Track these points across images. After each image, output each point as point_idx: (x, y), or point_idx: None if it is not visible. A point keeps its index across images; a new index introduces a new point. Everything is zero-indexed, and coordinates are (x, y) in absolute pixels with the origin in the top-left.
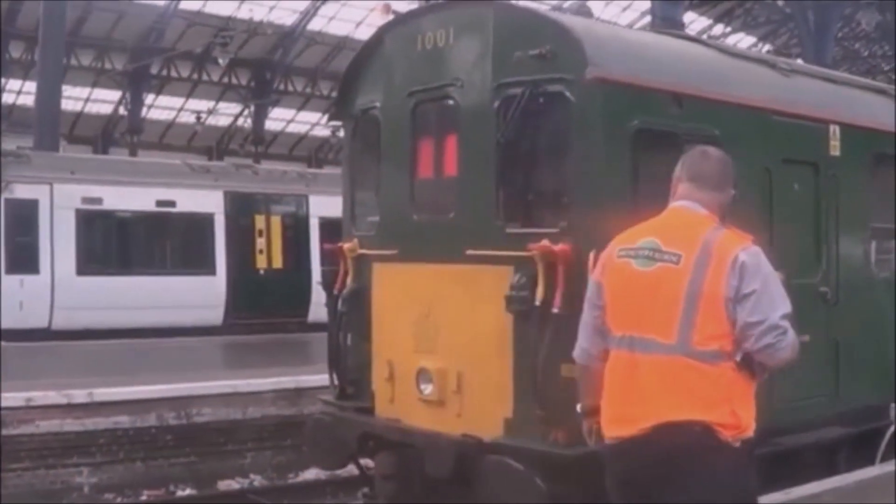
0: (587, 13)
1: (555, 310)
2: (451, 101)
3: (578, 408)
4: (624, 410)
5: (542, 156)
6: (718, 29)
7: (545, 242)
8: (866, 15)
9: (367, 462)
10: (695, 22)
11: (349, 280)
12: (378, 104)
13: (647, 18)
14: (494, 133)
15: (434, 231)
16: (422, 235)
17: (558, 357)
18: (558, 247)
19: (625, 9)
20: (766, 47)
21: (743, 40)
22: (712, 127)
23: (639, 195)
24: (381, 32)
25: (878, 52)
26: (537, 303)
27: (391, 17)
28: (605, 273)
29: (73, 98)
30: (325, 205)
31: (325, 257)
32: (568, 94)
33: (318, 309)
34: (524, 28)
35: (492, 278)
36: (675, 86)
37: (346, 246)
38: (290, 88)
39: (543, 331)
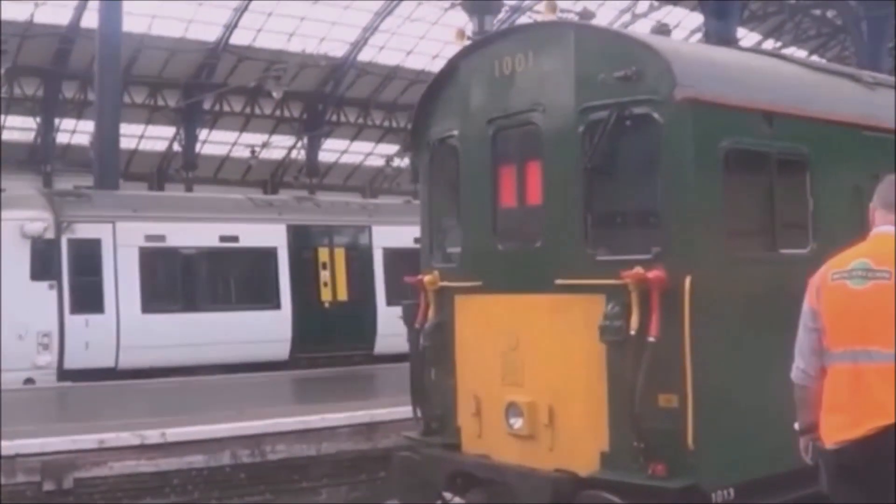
0: (667, 32)
1: (651, 338)
2: (533, 127)
3: (796, 426)
4: (850, 416)
5: (631, 180)
6: (769, 44)
7: (638, 269)
8: None
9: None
10: (745, 38)
11: (431, 313)
12: (456, 132)
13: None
14: (581, 158)
15: (520, 261)
16: (507, 266)
17: (655, 387)
18: (652, 273)
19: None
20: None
21: (794, 54)
22: (803, 145)
23: (731, 217)
24: (456, 60)
25: None
26: (632, 332)
27: (467, 41)
28: (820, 297)
29: (128, 136)
30: (389, 235)
31: (398, 290)
32: (656, 115)
33: (384, 340)
34: (607, 49)
35: (583, 308)
36: (765, 104)
37: (427, 279)
38: (343, 119)
39: (639, 361)
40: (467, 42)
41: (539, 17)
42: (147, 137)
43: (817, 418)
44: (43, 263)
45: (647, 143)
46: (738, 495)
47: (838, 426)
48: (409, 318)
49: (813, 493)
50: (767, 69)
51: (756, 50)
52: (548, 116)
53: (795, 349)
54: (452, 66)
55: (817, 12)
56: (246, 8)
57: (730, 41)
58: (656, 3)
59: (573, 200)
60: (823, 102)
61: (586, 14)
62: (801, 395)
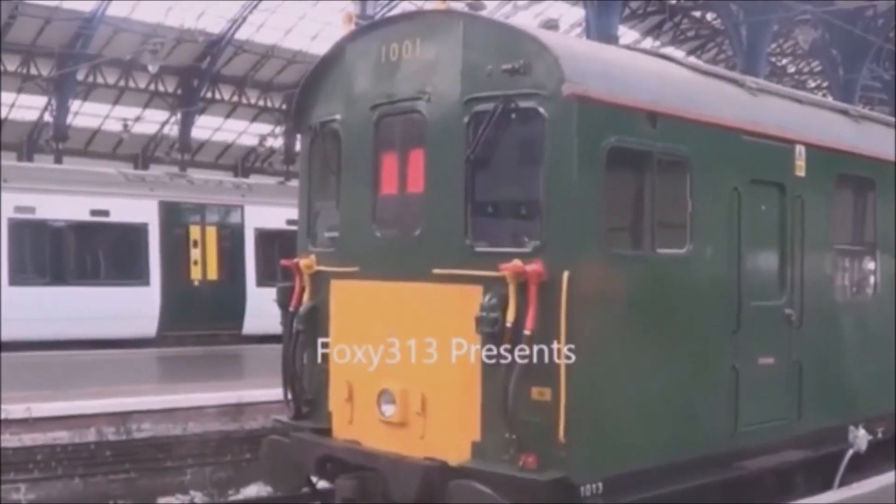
0: (555, 28)
1: (526, 331)
2: (417, 115)
3: None
4: None
5: (513, 173)
6: (648, 43)
7: (516, 262)
8: (803, 31)
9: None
10: (624, 35)
11: (305, 297)
12: (338, 117)
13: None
14: (464, 149)
15: (398, 248)
16: (385, 253)
17: (529, 380)
18: (530, 267)
19: (537, 15)
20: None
21: (672, 54)
22: (685, 146)
23: (611, 215)
24: (343, 43)
25: (805, 68)
26: (508, 324)
27: (353, 26)
28: None
29: None
30: (261, 215)
31: (269, 271)
32: (542, 109)
33: (252, 321)
34: (496, 41)
35: (460, 298)
36: (650, 104)
37: (303, 262)
38: (218, 96)
39: (514, 353)
40: (355, 26)
41: (429, 5)
42: (18, 107)
43: None
44: None
45: (532, 137)
46: (607, 489)
47: None
48: (283, 301)
49: (684, 488)
50: (654, 70)
51: (643, 50)
52: (433, 105)
53: None
54: (339, 49)
55: (697, 14)
56: None
57: (610, 38)
58: None
59: (454, 190)
60: (706, 106)
61: (476, 5)
62: None
